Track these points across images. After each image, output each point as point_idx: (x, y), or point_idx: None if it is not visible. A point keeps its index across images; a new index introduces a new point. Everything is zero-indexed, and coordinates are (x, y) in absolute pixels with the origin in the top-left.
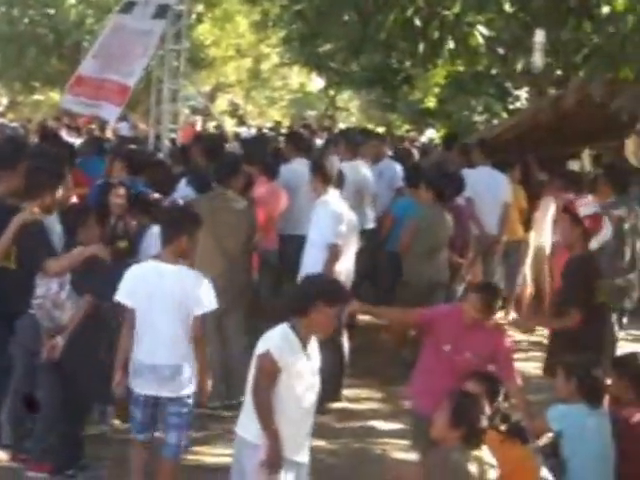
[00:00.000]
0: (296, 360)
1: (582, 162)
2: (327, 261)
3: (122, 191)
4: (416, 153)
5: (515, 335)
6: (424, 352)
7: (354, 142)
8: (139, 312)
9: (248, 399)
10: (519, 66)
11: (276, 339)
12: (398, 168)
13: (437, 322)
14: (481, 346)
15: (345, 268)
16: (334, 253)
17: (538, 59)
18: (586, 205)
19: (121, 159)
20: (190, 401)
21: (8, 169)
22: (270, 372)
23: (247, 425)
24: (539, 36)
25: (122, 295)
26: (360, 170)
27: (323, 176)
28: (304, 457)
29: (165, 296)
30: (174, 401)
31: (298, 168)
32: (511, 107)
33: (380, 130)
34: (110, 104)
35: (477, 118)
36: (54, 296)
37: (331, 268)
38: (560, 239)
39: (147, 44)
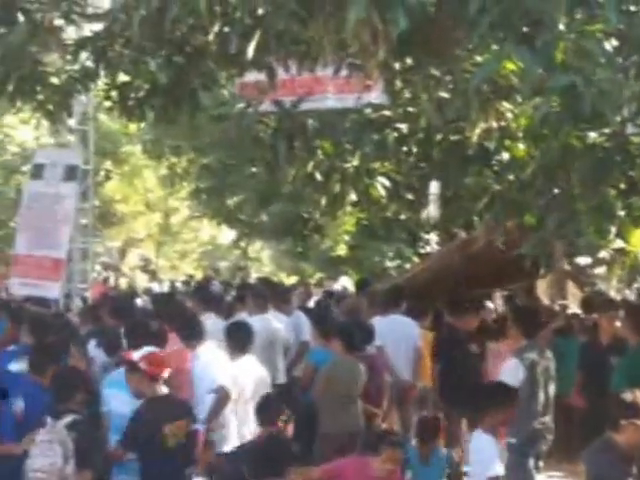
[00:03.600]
0: None
1: (494, 303)
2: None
3: None
4: (329, 302)
5: None
6: None
7: (262, 296)
8: None
9: None
10: (425, 213)
11: None
12: (306, 319)
13: (344, 476)
14: None
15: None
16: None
17: (433, 210)
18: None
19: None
20: None
21: None
22: None
23: None
24: (433, 187)
25: None
26: (270, 323)
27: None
28: None
29: None
30: None
31: (208, 323)
32: (422, 251)
33: (293, 279)
34: (49, 281)
35: (389, 263)
36: (59, 471)
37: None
38: None
39: (64, 209)
